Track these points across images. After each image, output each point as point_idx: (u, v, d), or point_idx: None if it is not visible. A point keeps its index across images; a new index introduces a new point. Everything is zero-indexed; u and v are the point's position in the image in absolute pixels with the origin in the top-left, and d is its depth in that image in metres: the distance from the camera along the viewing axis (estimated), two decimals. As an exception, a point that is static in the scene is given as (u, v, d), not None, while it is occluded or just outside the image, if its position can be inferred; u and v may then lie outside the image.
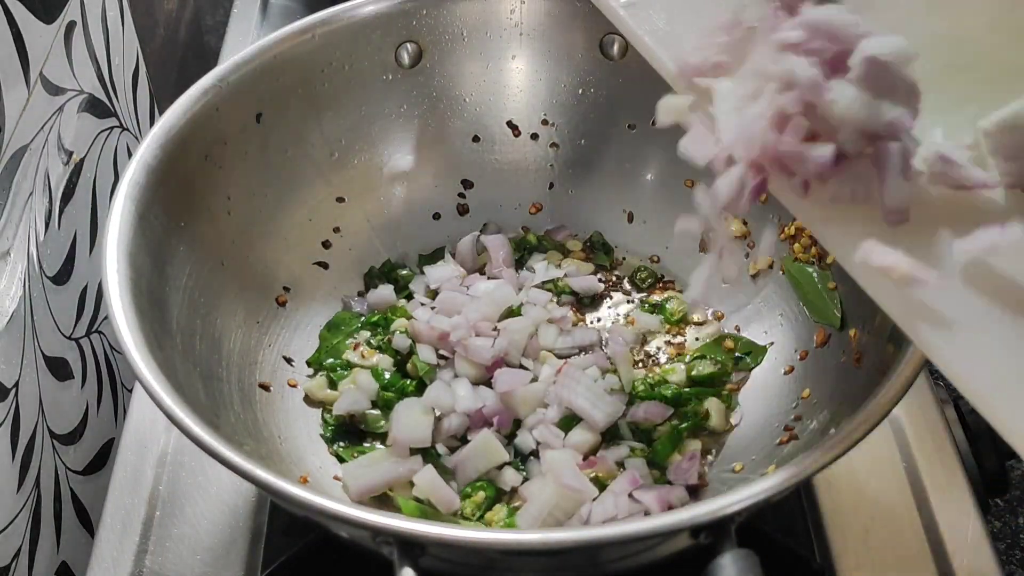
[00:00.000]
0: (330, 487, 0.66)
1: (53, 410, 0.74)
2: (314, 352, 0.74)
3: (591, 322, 0.78)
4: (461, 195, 0.82)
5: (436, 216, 0.82)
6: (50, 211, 0.76)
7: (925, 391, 0.74)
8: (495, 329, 0.72)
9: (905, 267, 0.42)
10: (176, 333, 0.62)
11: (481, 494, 0.65)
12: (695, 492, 0.65)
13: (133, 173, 0.63)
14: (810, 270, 0.71)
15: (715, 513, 0.48)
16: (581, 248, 0.82)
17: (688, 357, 0.74)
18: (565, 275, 0.79)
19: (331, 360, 0.74)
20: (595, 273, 0.81)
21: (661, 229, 0.81)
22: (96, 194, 0.86)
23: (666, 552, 0.54)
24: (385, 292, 0.78)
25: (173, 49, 1.14)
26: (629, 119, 0.80)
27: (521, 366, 0.72)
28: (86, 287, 0.83)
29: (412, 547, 0.48)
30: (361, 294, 0.79)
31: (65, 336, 0.78)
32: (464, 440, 0.68)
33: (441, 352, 0.72)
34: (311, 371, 0.73)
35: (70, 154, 0.80)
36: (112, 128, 0.90)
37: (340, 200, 0.78)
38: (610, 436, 0.68)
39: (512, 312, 0.74)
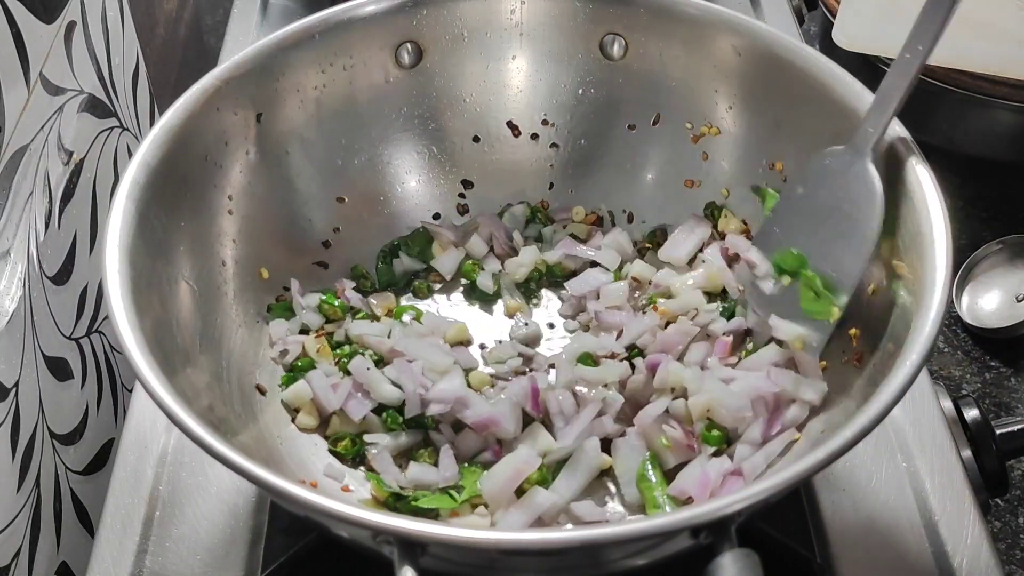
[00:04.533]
0: (331, 487, 0.66)
1: (53, 410, 0.74)
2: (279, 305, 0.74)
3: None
4: (461, 195, 0.82)
5: (436, 216, 0.82)
6: (50, 211, 0.76)
7: (925, 391, 0.74)
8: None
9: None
10: (176, 333, 0.62)
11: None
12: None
13: (133, 173, 0.63)
14: None
15: (715, 513, 0.47)
16: (586, 215, 0.81)
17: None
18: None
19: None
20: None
21: (661, 229, 0.81)
22: (96, 194, 0.86)
23: (666, 552, 0.54)
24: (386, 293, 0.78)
25: (173, 49, 1.14)
26: (629, 119, 0.80)
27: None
28: (86, 287, 0.83)
29: (412, 547, 0.48)
30: (363, 292, 0.78)
31: (65, 336, 0.78)
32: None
33: None
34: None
35: (70, 154, 0.80)
36: (112, 128, 0.90)
37: (340, 200, 0.78)
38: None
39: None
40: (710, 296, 0.74)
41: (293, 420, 0.69)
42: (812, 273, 0.66)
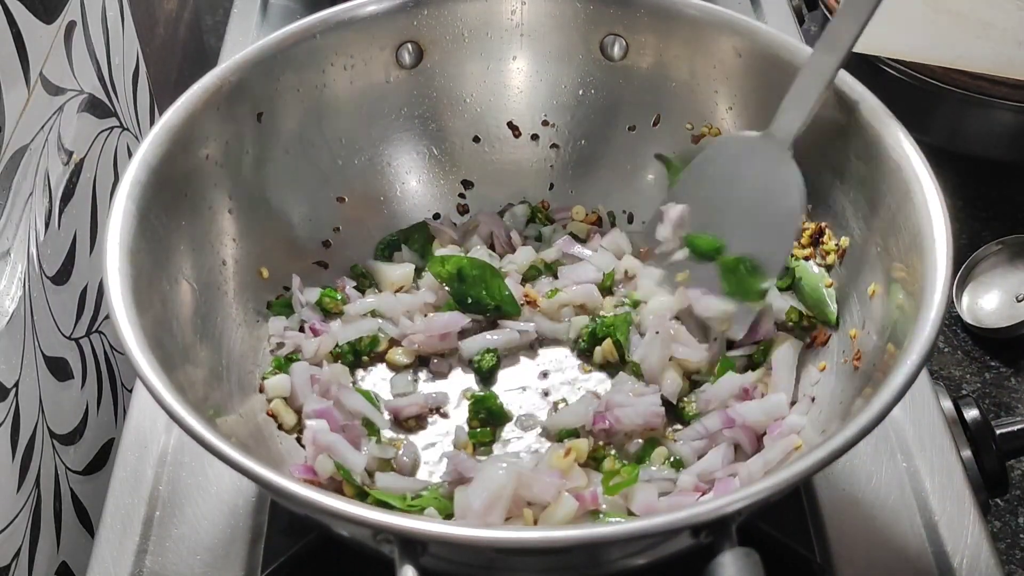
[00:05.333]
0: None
1: (53, 410, 0.74)
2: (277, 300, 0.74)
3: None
4: (461, 195, 0.82)
5: (436, 216, 0.82)
6: (50, 211, 0.76)
7: (925, 391, 0.74)
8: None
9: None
10: (176, 333, 0.62)
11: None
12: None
13: (133, 173, 0.63)
14: (805, 265, 0.71)
15: (715, 512, 0.47)
16: (586, 215, 0.81)
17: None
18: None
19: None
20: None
21: (661, 229, 0.81)
22: (96, 194, 0.86)
23: (666, 551, 0.54)
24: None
25: (173, 49, 1.14)
26: (629, 120, 0.80)
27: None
28: (86, 287, 0.83)
29: (413, 546, 0.48)
30: (362, 291, 0.78)
31: (65, 336, 0.78)
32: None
33: None
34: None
35: (70, 154, 0.80)
36: (112, 128, 0.90)
37: (340, 200, 0.78)
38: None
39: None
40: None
41: (280, 427, 0.69)
42: (733, 257, 0.65)
